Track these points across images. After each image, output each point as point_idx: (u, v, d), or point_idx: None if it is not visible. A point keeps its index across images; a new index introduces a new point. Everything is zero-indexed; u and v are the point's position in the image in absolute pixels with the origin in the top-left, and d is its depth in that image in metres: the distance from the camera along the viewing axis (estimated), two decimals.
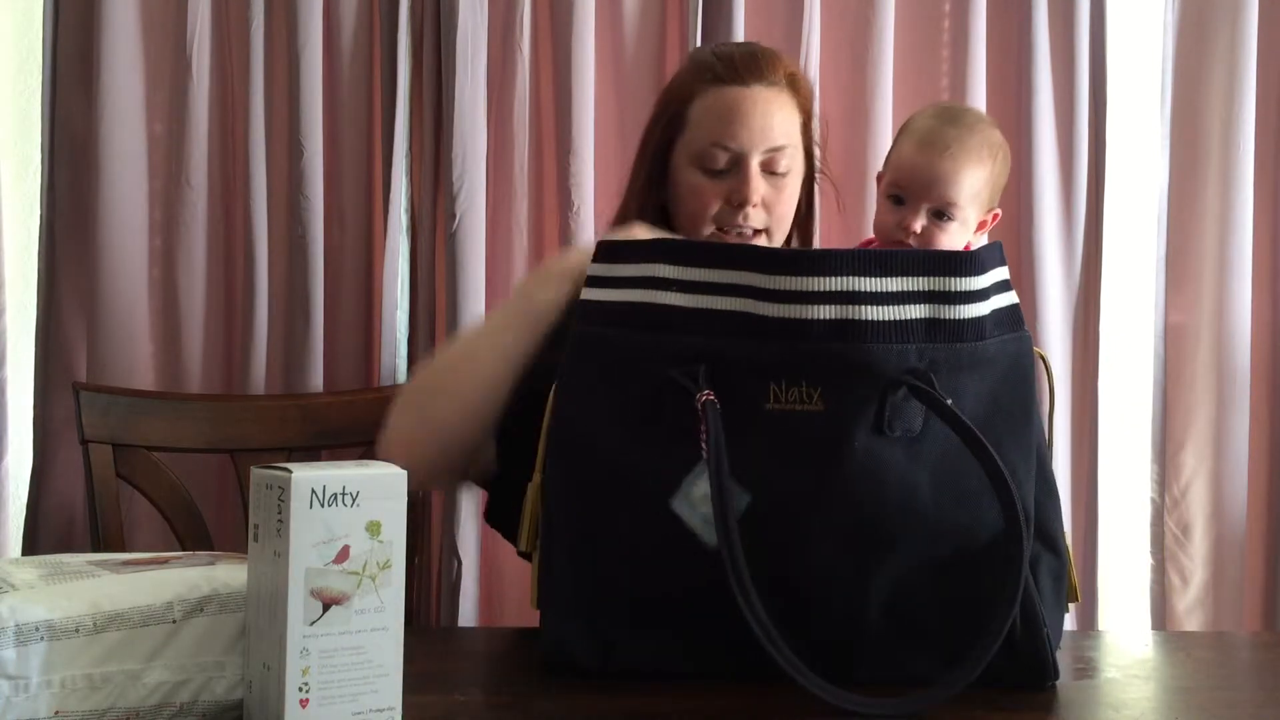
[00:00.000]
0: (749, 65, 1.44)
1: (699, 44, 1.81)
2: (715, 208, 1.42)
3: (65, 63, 1.83)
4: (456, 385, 1.33)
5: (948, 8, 1.87)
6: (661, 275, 1.10)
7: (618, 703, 1.03)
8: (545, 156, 1.87)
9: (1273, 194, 1.86)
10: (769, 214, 1.43)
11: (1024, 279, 1.83)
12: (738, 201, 1.41)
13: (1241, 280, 1.83)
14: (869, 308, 1.04)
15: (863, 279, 1.04)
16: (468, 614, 1.80)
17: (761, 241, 1.44)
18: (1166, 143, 1.86)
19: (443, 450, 1.33)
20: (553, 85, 1.84)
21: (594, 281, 1.14)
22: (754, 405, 1.05)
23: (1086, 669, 1.19)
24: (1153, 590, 1.85)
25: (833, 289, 1.04)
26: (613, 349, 1.11)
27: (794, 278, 1.05)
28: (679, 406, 1.04)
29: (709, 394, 1.03)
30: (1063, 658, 1.23)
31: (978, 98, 1.83)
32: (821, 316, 1.04)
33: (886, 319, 1.04)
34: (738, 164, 1.42)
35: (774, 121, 1.42)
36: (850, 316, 1.04)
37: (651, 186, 1.47)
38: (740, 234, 1.43)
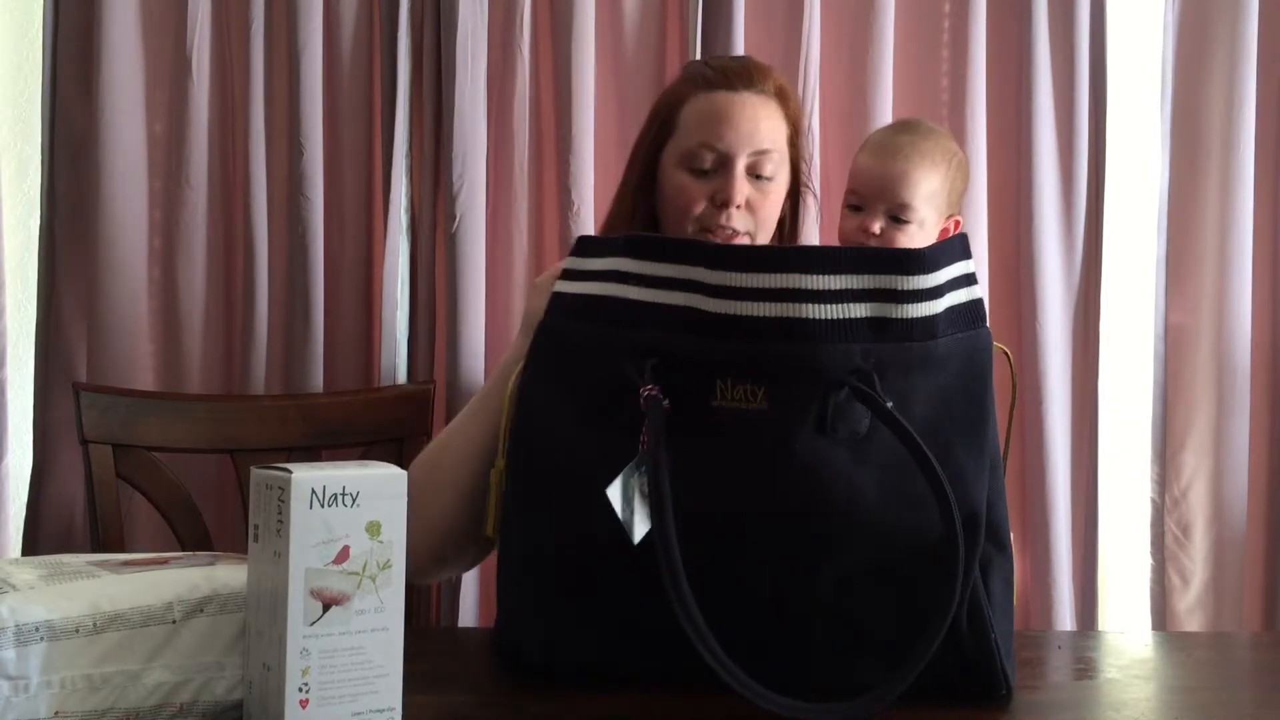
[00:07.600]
0: (740, 73, 1.47)
1: (699, 45, 1.82)
2: (700, 207, 1.42)
3: (65, 63, 1.83)
4: (435, 484, 1.27)
5: (948, 8, 1.87)
6: (624, 269, 1.09)
7: (617, 704, 1.03)
8: (545, 156, 1.87)
9: (1273, 194, 1.86)
10: (753, 216, 1.44)
11: (1024, 279, 1.83)
12: (721, 201, 1.41)
13: (1241, 280, 1.83)
14: (811, 305, 1.02)
15: (806, 276, 1.03)
16: (468, 614, 1.80)
17: (743, 243, 1.43)
18: (1166, 143, 1.85)
19: (432, 545, 1.27)
20: (553, 85, 1.84)
21: (567, 275, 1.14)
22: (701, 402, 1.04)
23: (1086, 669, 1.18)
24: (1153, 590, 1.85)
25: (775, 285, 1.03)
26: (573, 341, 1.10)
27: (736, 274, 1.03)
28: (632, 401, 1.04)
29: (653, 389, 1.02)
30: (1062, 657, 1.23)
31: (978, 98, 1.83)
32: (764, 314, 1.03)
33: (829, 318, 1.02)
34: (724, 165, 1.42)
35: (761, 126, 1.44)
36: (792, 314, 1.02)
37: (642, 190, 1.48)
38: (723, 235, 1.42)
